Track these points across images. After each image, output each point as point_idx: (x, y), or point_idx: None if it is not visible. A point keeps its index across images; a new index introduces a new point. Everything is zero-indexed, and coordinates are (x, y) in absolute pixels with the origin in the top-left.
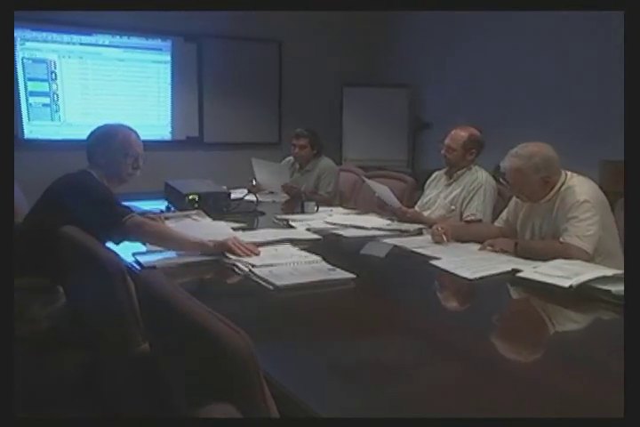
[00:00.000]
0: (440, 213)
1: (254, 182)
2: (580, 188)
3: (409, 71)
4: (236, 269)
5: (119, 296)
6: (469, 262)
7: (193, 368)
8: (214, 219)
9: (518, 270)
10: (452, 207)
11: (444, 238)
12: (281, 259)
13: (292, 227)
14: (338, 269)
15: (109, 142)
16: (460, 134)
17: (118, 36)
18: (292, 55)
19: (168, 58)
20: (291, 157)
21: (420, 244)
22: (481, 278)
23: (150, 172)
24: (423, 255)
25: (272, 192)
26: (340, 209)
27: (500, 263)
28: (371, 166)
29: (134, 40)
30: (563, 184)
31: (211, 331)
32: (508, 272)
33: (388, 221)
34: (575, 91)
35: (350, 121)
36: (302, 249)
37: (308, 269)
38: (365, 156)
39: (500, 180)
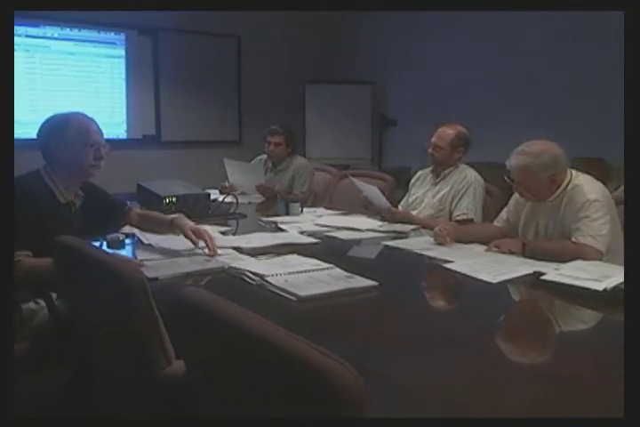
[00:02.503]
0: (428, 213)
1: (227, 183)
2: (589, 186)
3: (372, 68)
4: (247, 279)
5: (140, 314)
6: (484, 265)
7: (270, 407)
8: (197, 223)
9: (540, 273)
10: (441, 206)
11: (448, 240)
12: (292, 267)
13: (282, 230)
14: (357, 277)
15: (64, 132)
16: (448, 132)
17: (68, 29)
18: (252, 51)
19: (122, 52)
20: (262, 156)
21: (423, 246)
22: (503, 282)
23: (108, 172)
24: (432, 258)
25: (244, 193)
26: (324, 210)
27: (517, 265)
28: (334, 165)
29: (85, 33)
30: (569, 183)
31: (309, 364)
32: (529, 275)
33: (380, 222)
34: (545, 89)
35: (313, 119)
36: (305, 255)
37: (325, 277)
38: (329, 154)
39: (505, 178)
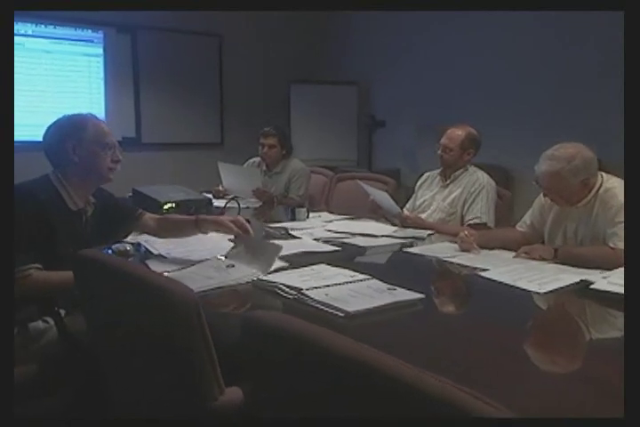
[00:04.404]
0: (439, 217)
1: (221, 187)
2: (622, 190)
3: (358, 68)
4: (281, 293)
5: (191, 339)
6: (522, 273)
7: None
8: None
9: (587, 281)
10: (452, 210)
11: (475, 246)
12: (328, 279)
13: (294, 237)
14: (398, 288)
15: (81, 134)
16: (457, 133)
17: (43, 26)
18: (234, 50)
19: (100, 50)
20: (255, 159)
21: (449, 252)
22: (551, 292)
23: None
24: (463, 266)
25: (238, 197)
26: (328, 214)
27: (557, 273)
28: (320, 167)
29: (61, 30)
30: (600, 186)
31: (458, 406)
32: (576, 283)
33: (394, 228)
34: (538, 90)
35: (298, 119)
36: (333, 264)
37: (366, 289)
38: (314, 156)
39: (534, 182)
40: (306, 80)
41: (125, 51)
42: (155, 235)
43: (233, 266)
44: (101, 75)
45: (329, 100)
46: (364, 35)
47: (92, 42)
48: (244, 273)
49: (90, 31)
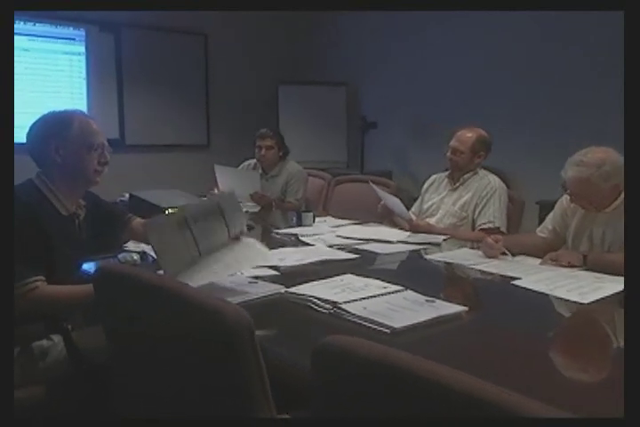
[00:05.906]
0: (450, 221)
1: (217, 191)
2: None
3: (347, 69)
4: (314, 306)
5: (244, 365)
6: (558, 281)
7: None
8: None
9: None
10: (464, 214)
11: (505, 251)
12: (361, 291)
13: (306, 244)
14: (437, 301)
15: (66, 133)
16: (467, 136)
17: (22, 22)
18: (220, 49)
19: (82, 49)
20: (251, 161)
21: (473, 259)
22: (595, 302)
23: None
24: (491, 274)
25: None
26: (333, 219)
27: (594, 282)
28: (309, 169)
29: (41, 27)
30: None
31: None
32: (619, 293)
33: (406, 233)
34: (532, 90)
35: (286, 121)
36: (358, 274)
37: (403, 301)
38: (304, 158)
39: (561, 187)
40: (294, 81)
41: (108, 49)
42: (143, 241)
43: (256, 282)
44: (83, 74)
45: (318, 101)
46: (353, 34)
47: (74, 40)
48: (272, 288)
49: (71, 28)
